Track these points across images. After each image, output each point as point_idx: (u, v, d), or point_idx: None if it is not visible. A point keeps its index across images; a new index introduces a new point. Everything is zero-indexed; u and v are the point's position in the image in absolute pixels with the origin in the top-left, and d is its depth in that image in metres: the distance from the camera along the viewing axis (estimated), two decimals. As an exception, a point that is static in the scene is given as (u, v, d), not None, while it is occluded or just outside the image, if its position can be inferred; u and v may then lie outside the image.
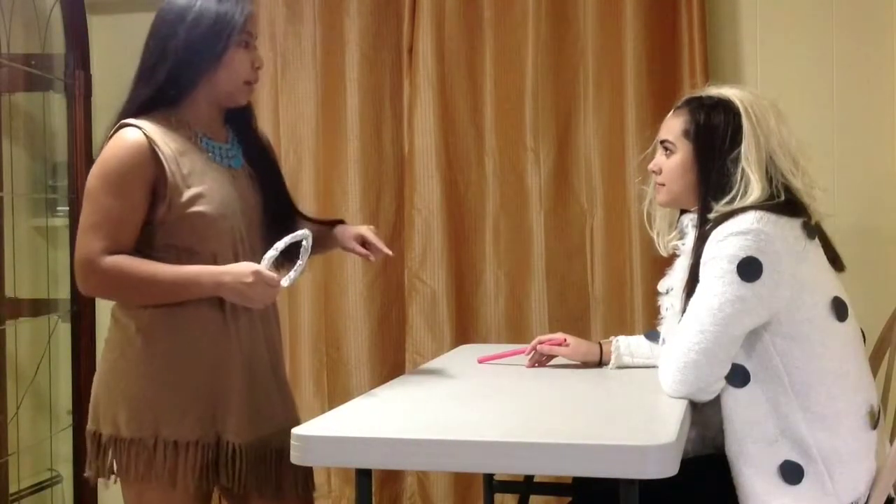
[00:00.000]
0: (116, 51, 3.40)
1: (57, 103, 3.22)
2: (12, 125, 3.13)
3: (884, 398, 2.16)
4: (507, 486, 2.79)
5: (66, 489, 3.23)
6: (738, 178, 1.92)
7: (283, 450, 1.90)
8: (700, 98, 2.04)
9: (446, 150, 3.13)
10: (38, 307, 3.20)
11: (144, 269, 1.92)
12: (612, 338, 2.25)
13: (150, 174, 1.93)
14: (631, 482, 1.54)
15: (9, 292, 3.02)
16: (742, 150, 1.93)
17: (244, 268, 1.92)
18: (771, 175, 1.92)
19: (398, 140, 3.20)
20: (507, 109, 3.10)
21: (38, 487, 3.20)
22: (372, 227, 2.26)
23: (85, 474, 2.04)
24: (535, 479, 2.63)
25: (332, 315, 3.20)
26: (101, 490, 3.22)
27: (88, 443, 2.03)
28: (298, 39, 3.21)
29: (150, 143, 1.94)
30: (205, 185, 1.97)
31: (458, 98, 3.13)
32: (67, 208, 3.19)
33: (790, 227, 1.87)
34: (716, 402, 1.91)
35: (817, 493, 1.82)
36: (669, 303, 2.09)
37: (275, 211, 2.14)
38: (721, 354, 1.84)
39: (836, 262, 1.98)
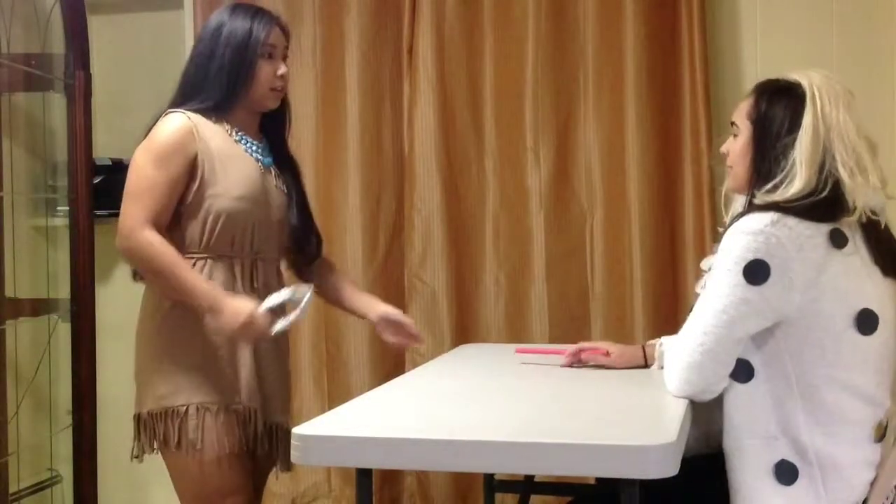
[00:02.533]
0: (116, 51, 3.42)
1: (57, 103, 3.21)
2: (12, 125, 3.13)
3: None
4: (507, 486, 2.79)
5: (66, 489, 3.23)
6: (787, 167, 1.85)
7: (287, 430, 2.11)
8: (772, 80, 1.99)
9: (446, 150, 3.13)
10: (38, 307, 3.20)
11: (167, 261, 2.09)
12: (655, 340, 2.22)
13: (191, 151, 2.14)
14: (631, 482, 1.54)
15: (9, 292, 3.02)
16: (797, 138, 1.86)
17: (242, 307, 2.06)
18: (824, 166, 1.84)
19: (398, 140, 3.20)
20: (507, 109, 3.10)
21: (38, 487, 3.20)
22: (398, 311, 2.40)
23: (131, 458, 2.22)
24: (535, 479, 2.63)
25: (332, 314, 3.20)
26: (101, 490, 3.23)
27: (133, 427, 2.22)
28: (298, 39, 3.21)
29: (193, 124, 2.16)
30: (234, 170, 2.17)
31: (458, 98, 3.14)
32: (67, 208, 3.18)
33: (810, 234, 1.79)
34: (721, 399, 1.89)
35: (809, 497, 1.80)
36: (704, 282, 2.01)
37: (296, 222, 2.29)
38: (724, 356, 1.83)
39: (884, 263, 1.87)
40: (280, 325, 2.08)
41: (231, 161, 2.18)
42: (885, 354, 1.86)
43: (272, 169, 2.29)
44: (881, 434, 1.86)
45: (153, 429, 2.18)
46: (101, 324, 3.26)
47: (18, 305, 3.09)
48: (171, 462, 2.19)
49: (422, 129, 3.12)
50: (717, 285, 1.82)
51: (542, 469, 1.61)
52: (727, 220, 1.99)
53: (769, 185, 1.86)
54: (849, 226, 1.83)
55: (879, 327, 1.82)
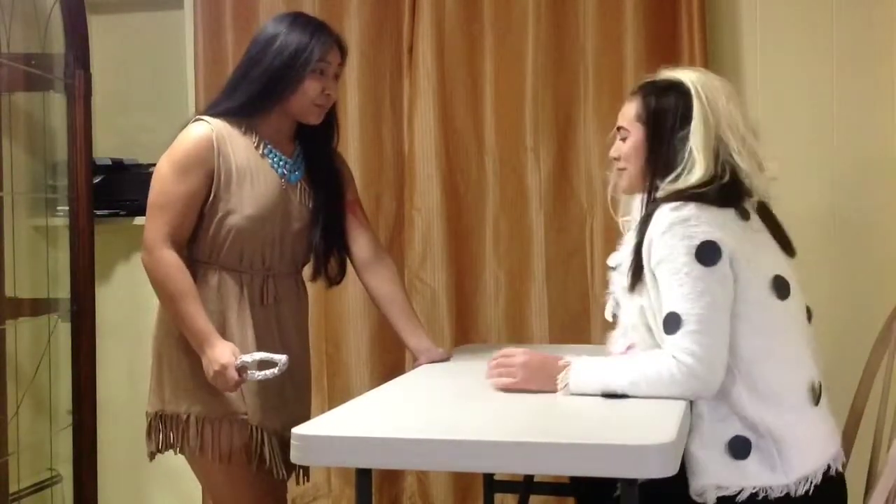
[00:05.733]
0: (116, 51, 3.42)
1: (57, 103, 3.21)
2: (12, 125, 3.12)
3: (884, 398, 2.17)
4: (507, 486, 2.79)
5: (66, 489, 3.23)
6: (685, 157, 1.95)
7: None
8: (653, 82, 2.08)
9: (446, 150, 3.13)
10: (38, 307, 3.19)
11: (177, 289, 2.14)
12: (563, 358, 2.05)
13: (209, 165, 2.17)
14: (631, 482, 1.54)
15: (9, 292, 3.02)
16: (691, 130, 1.96)
17: (221, 356, 2.10)
18: (719, 154, 1.95)
19: (398, 140, 3.20)
20: (507, 109, 3.10)
21: (38, 487, 3.19)
22: (446, 355, 2.41)
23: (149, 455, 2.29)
24: (535, 479, 2.63)
25: (332, 315, 3.20)
26: (101, 490, 3.23)
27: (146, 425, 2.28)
28: (298, 39, 3.21)
29: (215, 138, 2.18)
30: (250, 187, 2.20)
31: (458, 98, 3.13)
32: (67, 208, 3.18)
33: (722, 214, 1.90)
34: None
35: (765, 468, 1.84)
36: (618, 279, 2.10)
37: (323, 235, 2.31)
38: (722, 340, 1.84)
39: (786, 246, 2.01)
40: (255, 375, 2.11)
41: (249, 177, 2.20)
42: (799, 319, 1.97)
43: (299, 184, 2.29)
44: (816, 397, 1.92)
45: (158, 429, 2.23)
46: (101, 324, 3.26)
47: (18, 305, 3.09)
48: (190, 465, 2.27)
49: (422, 128, 3.12)
50: (679, 282, 1.85)
51: (542, 469, 1.62)
52: (628, 219, 2.13)
53: (672, 175, 1.95)
54: (749, 205, 1.96)
55: (792, 291, 1.93)
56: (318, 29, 2.23)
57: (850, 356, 2.35)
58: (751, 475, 1.84)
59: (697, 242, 1.85)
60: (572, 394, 1.90)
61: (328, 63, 2.23)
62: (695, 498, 1.87)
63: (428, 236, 3.12)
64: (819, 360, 1.99)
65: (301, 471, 2.40)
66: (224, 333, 2.17)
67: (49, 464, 3.25)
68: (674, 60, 2.96)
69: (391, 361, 3.15)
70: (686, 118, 1.97)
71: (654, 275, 1.91)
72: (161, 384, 2.24)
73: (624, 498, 1.55)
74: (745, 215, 1.94)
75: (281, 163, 2.26)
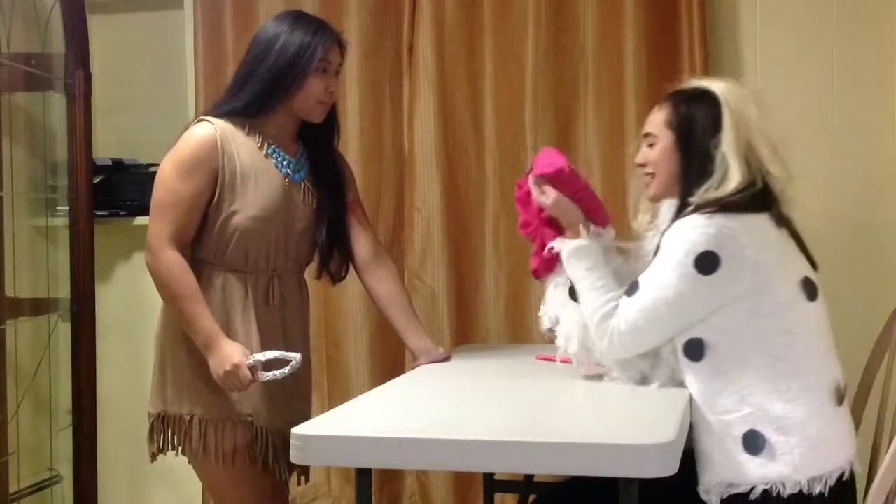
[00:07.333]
0: (116, 51, 3.42)
1: (57, 103, 3.21)
2: (12, 125, 3.13)
3: (883, 398, 2.17)
4: (507, 486, 2.79)
5: (66, 489, 3.23)
6: (718, 165, 1.96)
7: None
8: (682, 90, 2.09)
9: (446, 150, 3.13)
10: (38, 307, 3.19)
11: (181, 290, 2.14)
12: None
13: (213, 165, 2.17)
14: (631, 482, 1.54)
15: (9, 292, 3.02)
16: (722, 137, 1.96)
17: (231, 356, 2.09)
18: (750, 162, 1.96)
19: (398, 140, 3.20)
20: (507, 109, 3.10)
21: (38, 487, 3.19)
22: (446, 355, 2.41)
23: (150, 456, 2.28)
24: (535, 479, 2.63)
25: (332, 315, 3.20)
26: (101, 490, 3.23)
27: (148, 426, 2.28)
28: (298, 39, 3.21)
29: (218, 138, 2.17)
30: (254, 188, 2.19)
31: (458, 98, 3.13)
32: (67, 208, 3.18)
33: (758, 222, 1.92)
34: None
35: (778, 464, 1.83)
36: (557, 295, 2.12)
37: (327, 234, 2.32)
38: (664, 332, 1.92)
39: (806, 255, 2.02)
40: (265, 375, 2.11)
41: (253, 178, 2.20)
42: (826, 319, 1.98)
43: (302, 183, 2.29)
44: (840, 398, 1.92)
45: (160, 430, 2.23)
46: (101, 324, 3.26)
47: (18, 305, 3.09)
48: (193, 467, 2.27)
49: (422, 128, 3.12)
50: (665, 275, 1.88)
51: (542, 469, 1.62)
52: (657, 223, 2.09)
53: (706, 185, 1.96)
54: (783, 211, 1.98)
55: (819, 295, 1.96)
56: (319, 27, 2.24)
57: (851, 357, 2.34)
58: (764, 470, 1.83)
59: (701, 249, 1.86)
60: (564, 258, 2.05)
61: (330, 61, 2.24)
62: (702, 496, 1.87)
63: (428, 236, 3.12)
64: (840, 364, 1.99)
65: (300, 471, 2.39)
66: (229, 334, 2.16)
67: (49, 464, 3.25)
68: (674, 62, 2.97)
69: (391, 361, 3.15)
70: (716, 126, 1.98)
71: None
72: (164, 385, 2.24)
73: (624, 498, 1.55)
74: (779, 221, 1.95)
75: (285, 162, 2.26)
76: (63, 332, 3.21)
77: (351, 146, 3.17)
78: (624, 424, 1.75)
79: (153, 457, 2.27)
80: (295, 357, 2.11)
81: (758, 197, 1.94)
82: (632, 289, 1.94)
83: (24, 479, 3.11)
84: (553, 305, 2.11)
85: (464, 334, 3.12)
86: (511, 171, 3.10)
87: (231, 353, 2.10)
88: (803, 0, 3.01)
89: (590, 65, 3.05)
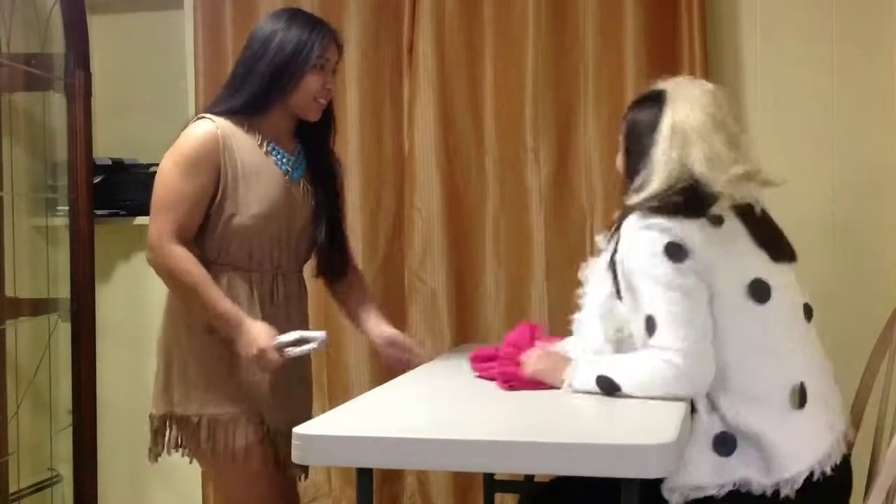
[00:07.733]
0: (116, 51, 3.42)
1: (57, 103, 3.21)
2: (12, 125, 3.13)
3: (883, 398, 2.17)
4: (507, 486, 2.79)
5: (66, 489, 3.23)
6: (648, 166, 1.95)
7: None
8: (641, 93, 2.10)
9: (446, 150, 3.13)
10: (38, 307, 3.20)
11: (192, 279, 2.12)
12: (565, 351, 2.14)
13: (216, 163, 2.16)
14: (631, 482, 1.54)
15: (9, 292, 3.02)
16: (657, 138, 1.95)
17: (257, 338, 2.09)
18: (685, 164, 1.91)
19: (398, 140, 3.20)
20: (507, 109, 3.10)
21: (38, 487, 3.20)
22: (399, 333, 2.43)
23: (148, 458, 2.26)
24: (535, 479, 2.63)
25: (331, 314, 3.20)
26: (101, 490, 3.23)
27: (148, 427, 2.26)
28: (298, 39, 3.21)
29: (220, 136, 2.16)
30: (256, 186, 2.19)
31: (458, 98, 3.13)
32: (67, 208, 3.18)
33: (690, 221, 1.88)
34: None
35: (748, 467, 1.83)
36: (589, 290, 2.09)
37: (325, 231, 2.31)
38: (704, 333, 1.84)
39: (774, 250, 1.98)
40: (293, 351, 2.11)
41: (255, 176, 2.19)
42: (786, 321, 1.94)
43: (301, 181, 2.29)
44: (801, 399, 1.88)
45: (165, 432, 2.23)
46: (101, 324, 3.26)
47: (18, 305, 3.10)
48: (202, 467, 2.31)
49: (422, 128, 3.12)
50: (654, 288, 1.85)
51: (542, 469, 1.61)
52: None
53: (635, 185, 1.97)
54: (721, 210, 1.91)
55: (773, 294, 1.90)
56: (316, 25, 2.24)
57: (851, 357, 2.35)
58: (733, 470, 1.83)
59: (665, 242, 1.85)
60: (575, 391, 1.92)
61: (327, 58, 2.24)
62: (664, 494, 1.86)
63: (428, 236, 3.12)
64: (816, 361, 1.98)
65: (299, 469, 2.39)
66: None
67: (49, 464, 3.25)
68: (674, 63, 2.97)
69: (391, 361, 3.15)
70: (655, 127, 1.96)
71: (630, 285, 1.91)
72: (169, 386, 2.22)
73: (624, 498, 1.55)
74: (715, 221, 1.91)
75: (284, 160, 2.26)
76: (63, 332, 3.21)
77: (351, 146, 3.17)
78: (624, 424, 1.75)
79: (155, 457, 2.26)
80: (320, 335, 2.12)
81: (687, 198, 1.89)
82: (648, 327, 1.87)
83: (24, 479, 3.11)
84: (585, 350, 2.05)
85: (464, 334, 3.12)
86: (511, 171, 3.11)
87: (258, 336, 2.10)
88: (803, 0, 3.02)
89: (590, 65, 3.05)
